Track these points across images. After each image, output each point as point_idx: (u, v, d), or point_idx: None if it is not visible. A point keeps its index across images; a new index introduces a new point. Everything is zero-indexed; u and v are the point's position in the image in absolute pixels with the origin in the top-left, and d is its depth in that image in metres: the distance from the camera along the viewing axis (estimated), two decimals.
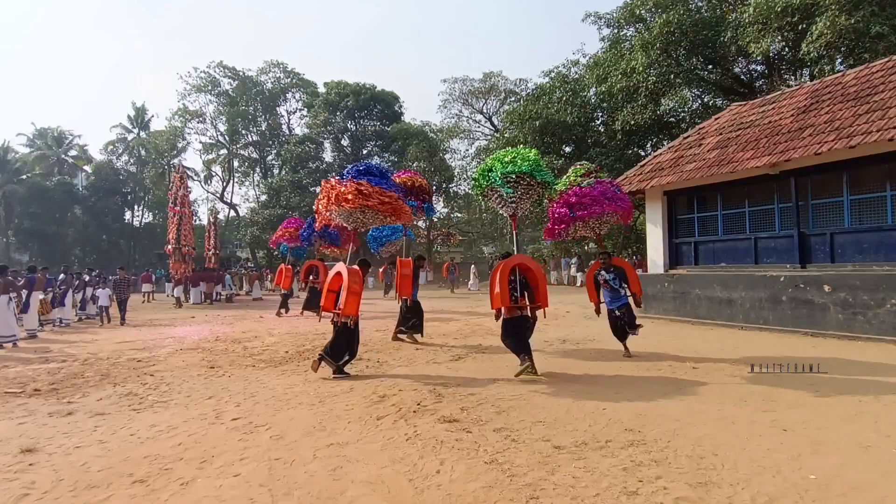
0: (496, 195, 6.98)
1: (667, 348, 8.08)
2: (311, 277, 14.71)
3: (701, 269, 11.37)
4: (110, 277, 17.82)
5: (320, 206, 7.31)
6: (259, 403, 5.35)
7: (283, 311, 14.98)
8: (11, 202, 40.18)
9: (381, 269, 23.37)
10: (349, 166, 7.51)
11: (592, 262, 8.63)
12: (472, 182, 7.47)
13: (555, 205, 7.53)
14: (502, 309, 6.37)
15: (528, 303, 6.48)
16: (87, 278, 16.92)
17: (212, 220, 27.06)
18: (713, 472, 3.37)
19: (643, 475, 3.34)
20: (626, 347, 7.47)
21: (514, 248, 7.67)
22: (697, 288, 11.04)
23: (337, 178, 7.22)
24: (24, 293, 11.14)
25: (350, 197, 6.73)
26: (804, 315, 9.05)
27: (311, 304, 14.13)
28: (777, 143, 9.64)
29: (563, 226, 7.51)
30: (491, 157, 7.26)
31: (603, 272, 7.48)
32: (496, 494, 3.15)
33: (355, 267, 6.84)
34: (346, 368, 6.62)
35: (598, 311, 7.61)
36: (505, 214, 7.39)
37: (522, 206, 7.04)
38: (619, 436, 4.09)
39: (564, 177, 7.79)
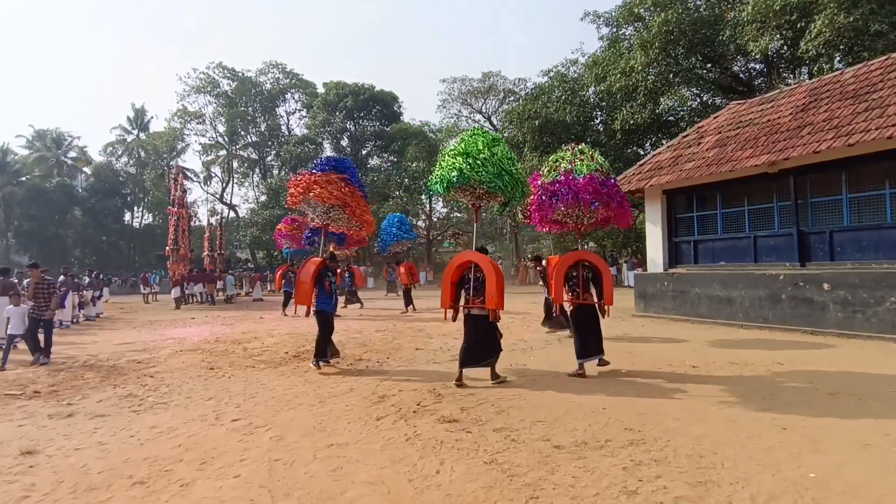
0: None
1: (666, 347, 8.09)
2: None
3: (700, 268, 11.37)
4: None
5: (290, 198, 7.93)
6: (259, 404, 5.36)
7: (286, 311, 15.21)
8: (11, 204, 40.19)
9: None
10: (322, 158, 8.25)
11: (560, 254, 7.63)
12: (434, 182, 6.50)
13: (539, 190, 6.74)
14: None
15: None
16: (87, 280, 16.95)
17: (214, 223, 27.12)
18: (713, 471, 3.37)
19: (643, 474, 3.35)
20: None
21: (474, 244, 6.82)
22: (697, 287, 11.04)
23: (310, 170, 7.93)
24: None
25: (318, 189, 7.50)
26: (804, 313, 9.05)
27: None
28: (776, 142, 9.64)
29: (544, 212, 6.78)
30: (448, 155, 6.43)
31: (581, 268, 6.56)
32: (496, 494, 3.15)
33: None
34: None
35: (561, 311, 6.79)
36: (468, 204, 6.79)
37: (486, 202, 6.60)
38: (618, 435, 4.09)
39: (554, 157, 6.94)
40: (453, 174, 6.11)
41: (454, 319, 6.22)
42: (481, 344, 5.95)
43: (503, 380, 5.99)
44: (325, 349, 7.09)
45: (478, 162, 6.06)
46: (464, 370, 5.93)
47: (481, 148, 6.17)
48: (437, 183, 6.36)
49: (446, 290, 6.13)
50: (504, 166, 6.16)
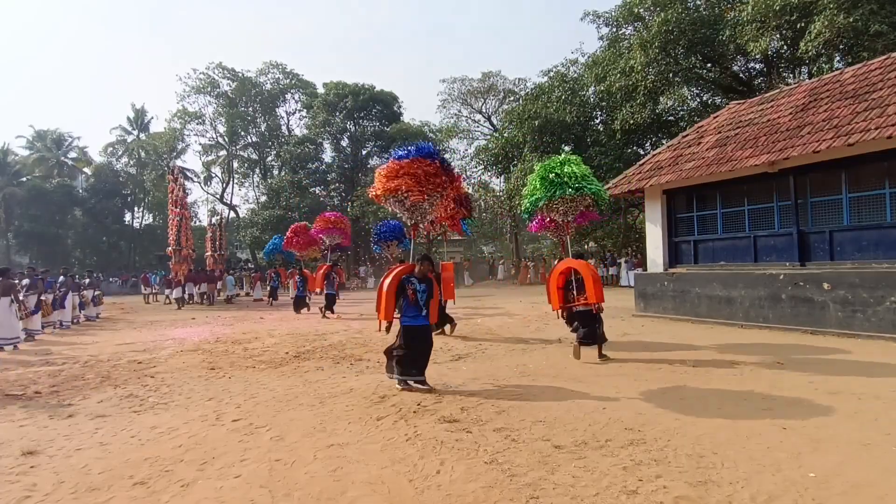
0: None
1: (667, 347, 8.10)
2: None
3: (700, 268, 11.37)
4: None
5: (379, 190, 6.21)
6: (259, 404, 5.36)
7: (328, 311, 14.61)
8: (11, 204, 40.20)
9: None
10: (408, 150, 6.22)
11: (557, 261, 9.31)
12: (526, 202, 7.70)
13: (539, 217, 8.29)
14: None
15: (583, 299, 7.18)
16: (87, 281, 16.96)
17: (215, 223, 27.13)
18: (713, 471, 3.38)
19: (643, 474, 3.35)
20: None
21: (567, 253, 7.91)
22: (697, 286, 11.04)
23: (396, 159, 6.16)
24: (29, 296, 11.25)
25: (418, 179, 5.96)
26: (804, 313, 9.05)
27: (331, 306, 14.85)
28: (776, 142, 9.64)
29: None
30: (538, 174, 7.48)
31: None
32: (496, 494, 3.15)
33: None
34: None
35: (563, 316, 7.69)
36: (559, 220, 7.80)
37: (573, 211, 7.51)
38: (618, 435, 4.10)
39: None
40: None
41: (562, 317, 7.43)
42: (593, 329, 7.09)
43: (608, 358, 7.13)
44: (404, 367, 5.75)
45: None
46: (583, 349, 7.15)
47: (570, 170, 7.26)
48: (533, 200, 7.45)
49: (554, 294, 7.45)
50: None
